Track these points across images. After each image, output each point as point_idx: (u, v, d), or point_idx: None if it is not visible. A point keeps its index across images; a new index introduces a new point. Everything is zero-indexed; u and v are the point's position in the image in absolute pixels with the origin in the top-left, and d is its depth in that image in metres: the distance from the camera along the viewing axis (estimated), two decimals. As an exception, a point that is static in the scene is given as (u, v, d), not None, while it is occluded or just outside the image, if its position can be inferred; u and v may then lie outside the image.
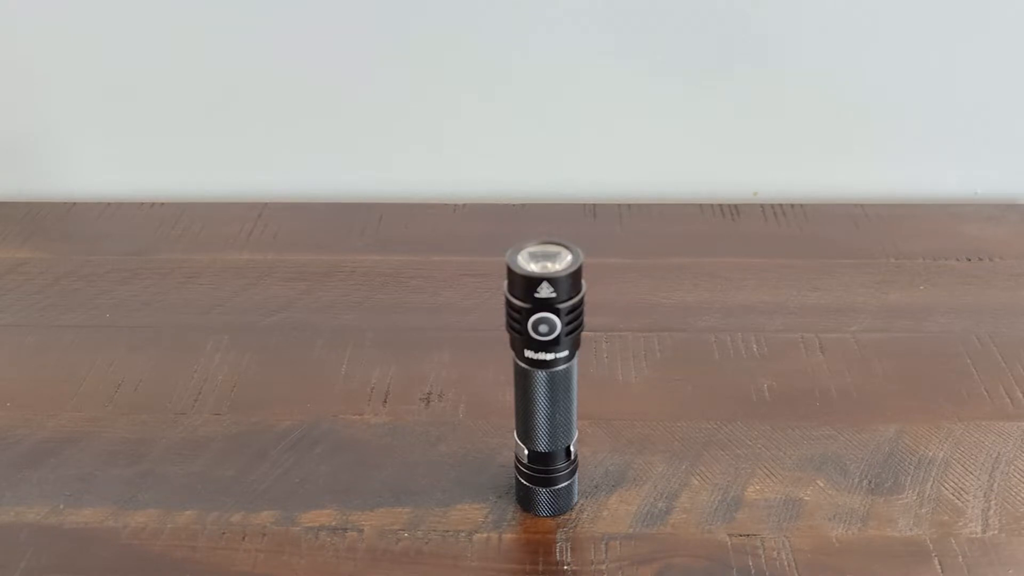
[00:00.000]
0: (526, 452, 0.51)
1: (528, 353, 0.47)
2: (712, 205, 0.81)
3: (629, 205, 0.81)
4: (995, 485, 0.54)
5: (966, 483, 0.54)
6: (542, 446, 0.50)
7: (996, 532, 0.51)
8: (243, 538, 0.52)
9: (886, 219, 0.79)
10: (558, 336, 0.46)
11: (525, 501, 0.53)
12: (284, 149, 0.85)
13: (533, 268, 0.45)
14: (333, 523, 0.52)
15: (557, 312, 0.45)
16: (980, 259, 0.74)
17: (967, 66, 0.79)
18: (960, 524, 0.52)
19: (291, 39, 0.80)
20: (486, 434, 0.58)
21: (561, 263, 0.46)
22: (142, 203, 0.83)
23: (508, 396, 0.55)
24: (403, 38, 0.80)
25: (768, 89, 0.81)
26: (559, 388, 0.48)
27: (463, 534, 0.52)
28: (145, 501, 0.54)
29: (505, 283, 0.46)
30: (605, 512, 0.53)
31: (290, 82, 0.82)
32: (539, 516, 0.52)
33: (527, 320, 0.45)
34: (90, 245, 0.78)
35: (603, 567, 0.50)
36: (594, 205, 0.81)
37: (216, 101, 0.83)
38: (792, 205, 0.81)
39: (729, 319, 0.67)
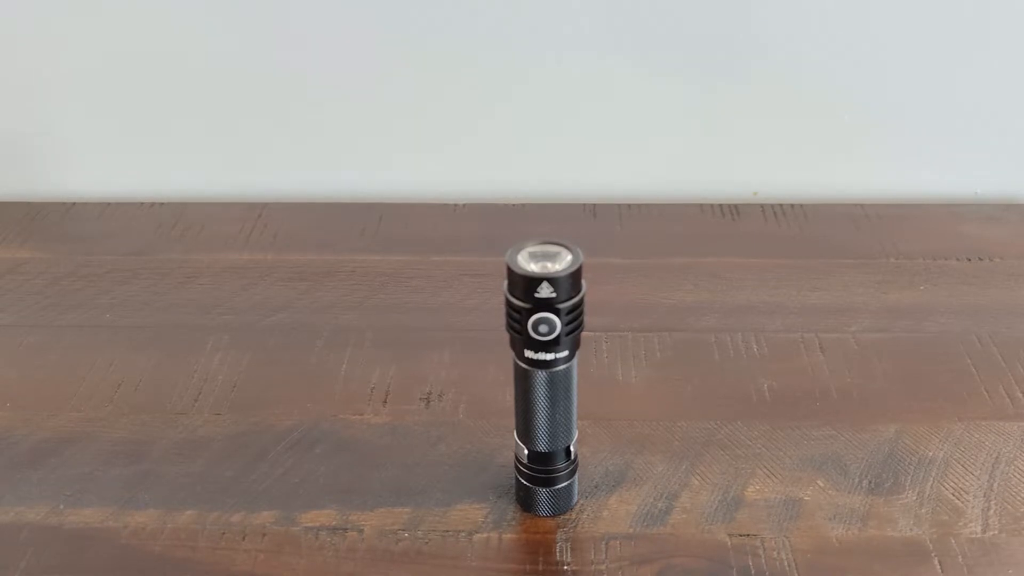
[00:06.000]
0: (526, 452, 0.51)
1: (528, 353, 0.47)
2: (712, 205, 0.81)
3: (629, 205, 0.81)
4: (995, 485, 0.54)
5: (966, 483, 0.54)
6: (542, 446, 0.50)
7: (996, 532, 0.51)
8: (243, 538, 0.52)
9: (886, 219, 0.79)
10: (558, 336, 0.46)
11: (525, 501, 0.53)
12: (284, 149, 0.85)
13: (533, 268, 0.45)
14: (333, 523, 0.52)
15: (557, 312, 0.45)
16: (980, 259, 0.74)
17: (967, 66, 0.79)
18: (960, 524, 0.52)
19: (291, 39, 0.80)
20: (486, 434, 0.58)
21: (561, 263, 0.46)
22: (142, 203, 0.83)
23: (508, 396, 0.55)
24: (403, 39, 0.80)
25: (768, 89, 0.81)
26: (559, 388, 0.48)
27: (463, 534, 0.52)
28: (145, 501, 0.54)
29: (505, 283, 0.46)
30: (605, 512, 0.53)
31: (290, 82, 0.82)
32: (539, 516, 0.52)
33: (527, 320, 0.45)
34: (90, 245, 0.78)
35: (603, 567, 0.50)
36: (594, 205, 0.81)
37: (216, 101, 0.83)
38: (792, 205, 0.81)
39: (729, 319, 0.67)
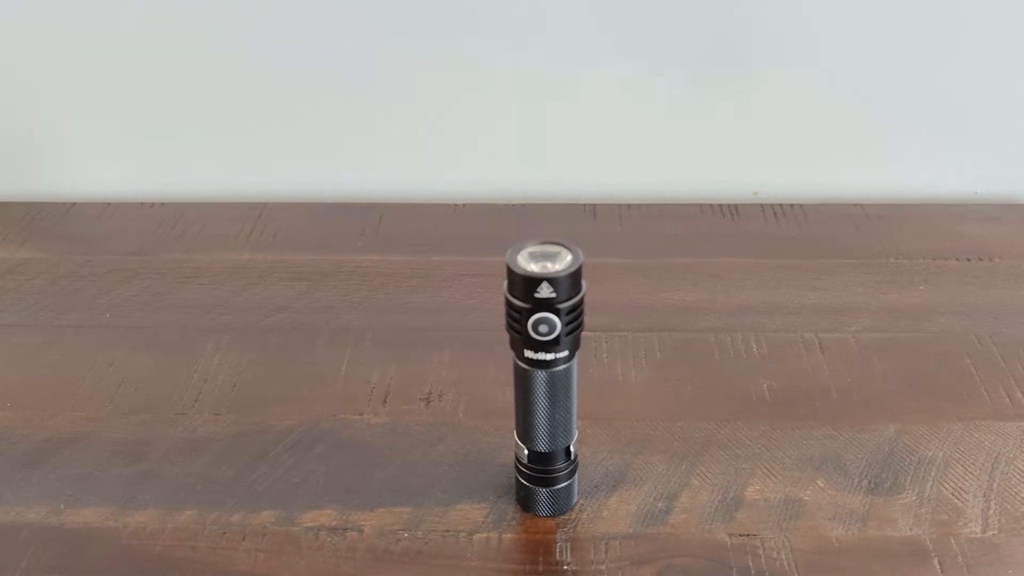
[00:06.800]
0: (526, 452, 0.51)
1: (528, 353, 0.47)
2: (712, 205, 0.81)
3: (629, 205, 0.81)
4: (995, 485, 0.54)
5: (966, 483, 0.54)
6: (542, 446, 0.50)
7: (996, 532, 0.51)
8: (243, 538, 0.52)
9: (886, 219, 0.79)
10: (558, 336, 0.46)
11: (525, 501, 0.53)
12: (284, 149, 0.85)
13: (533, 268, 0.45)
14: (333, 523, 0.52)
15: (557, 312, 0.45)
16: (980, 259, 0.74)
17: (967, 66, 0.79)
18: (960, 524, 0.52)
19: (291, 39, 0.80)
20: (486, 434, 0.58)
21: (561, 263, 0.46)
22: (142, 203, 0.83)
23: (508, 396, 0.55)
24: (403, 38, 0.80)
25: (768, 89, 0.81)
26: (559, 388, 0.48)
27: (463, 534, 0.52)
28: (145, 501, 0.54)
29: (505, 283, 0.46)
30: (605, 512, 0.53)
31: (290, 82, 0.82)
32: (539, 516, 0.52)
33: (527, 320, 0.45)
34: (90, 245, 0.78)
35: (603, 567, 0.50)
36: (594, 205, 0.81)
37: (216, 101, 0.83)
38: (792, 205, 0.81)
39: (729, 319, 0.67)
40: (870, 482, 0.54)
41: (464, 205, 0.82)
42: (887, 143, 0.83)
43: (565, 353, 0.47)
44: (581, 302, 0.46)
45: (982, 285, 0.71)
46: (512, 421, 0.51)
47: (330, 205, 0.83)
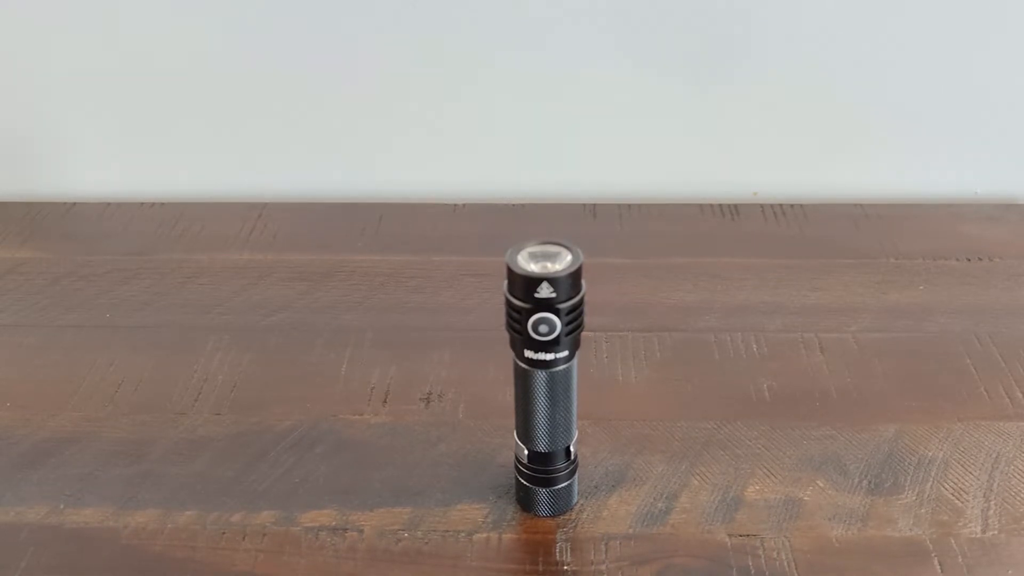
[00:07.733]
0: (526, 452, 0.51)
1: (528, 353, 0.47)
2: (712, 205, 0.81)
3: (629, 205, 0.81)
4: (995, 485, 0.54)
5: (966, 483, 0.54)
6: (542, 446, 0.50)
7: (996, 532, 0.51)
8: (243, 538, 0.52)
9: (886, 219, 0.79)
10: (558, 336, 0.46)
11: (525, 501, 0.53)
12: (284, 149, 0.85)
13: (533, 268, 0.45)
14: (333, 523, 0.52)
15: (557, 312, 0.45)
16: (980, 259, 0.74)
17: (967, 66, 0.79)
18: (960, 524, 0.52)
19: (291, 39, 0.80)
20: (486, 434, 0.58)
21: (561, 263, 0.46)
22: (142, 203, 0.83)
23: (508, 396, 0.55)
24: (403, 38, 0.80)
25: (768, 89, 0.81)
26: (559, 388, 0.48)
27: (463, 534, 0.52)
28: (145, 501, 0.54)
29: (505, 283, 0.46)
30: (605, 512, 0.53)
31: (290, 82, 0.82)
32: (539, 516, 0.52)
33: (527, 320, 0.45)
34: (90, 245, 0.78)
35: (603, 567, 0.50)
36: (594, 205, 0.81)
37: (216, 101, 0.83)
38: (792, 205, 0.81)
39: (729, 319, 0.67)
40: (870, 482, 0.54)
41: (464, 205, 0.82)
42: (887, 143, 0.83)
43: (565, 353, 0.47)
44: (581, 302, 0.46)
45: (982, 285, 0.71)
46: (512, 421, 0.51)
47: (330, 205, 0.83)
